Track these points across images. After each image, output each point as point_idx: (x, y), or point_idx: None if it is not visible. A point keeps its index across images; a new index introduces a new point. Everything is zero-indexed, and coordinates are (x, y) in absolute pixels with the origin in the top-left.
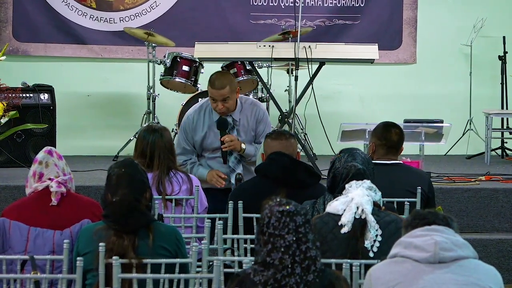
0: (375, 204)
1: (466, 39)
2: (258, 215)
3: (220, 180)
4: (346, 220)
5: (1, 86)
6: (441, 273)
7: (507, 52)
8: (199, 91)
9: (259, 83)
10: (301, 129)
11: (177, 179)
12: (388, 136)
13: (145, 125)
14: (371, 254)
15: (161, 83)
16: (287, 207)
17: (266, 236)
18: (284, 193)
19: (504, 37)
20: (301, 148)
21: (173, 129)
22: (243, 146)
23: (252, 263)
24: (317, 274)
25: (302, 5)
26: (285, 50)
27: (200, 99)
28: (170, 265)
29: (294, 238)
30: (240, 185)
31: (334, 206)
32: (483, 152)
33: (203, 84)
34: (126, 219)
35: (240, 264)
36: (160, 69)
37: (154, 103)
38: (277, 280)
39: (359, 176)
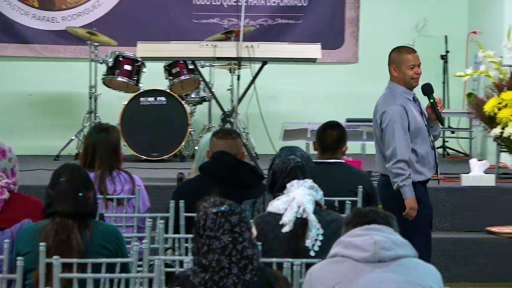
0: (316, 203)
1: (408, 39)
2: None
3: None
4: (288, 220)
5: None
6: (381, 272)
7: (448, 52)
8: (141, 90)
9: (202, 82)
10: (243, 128)
11: (120, 179)
12: (323, 136)
13: (87, 124)
14: (312, 254)
15: (103, 82)
16: (222, 208)
17: (203, 238)
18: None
19: (446, 37)
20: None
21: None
22: None
23: (192, 262)
24: (255, 273)
25: (245, 4)
26: (228, 49)
27: (141, 99)
28: (110, 265)
29: (230, 239)
30: (183, 183)
31: (275, 205)
32: None
33: (145, 83)
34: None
35: (181, 263)
36: (102, 68)
37: (96, 103)
38: (215, 281)
39: (298, 170)
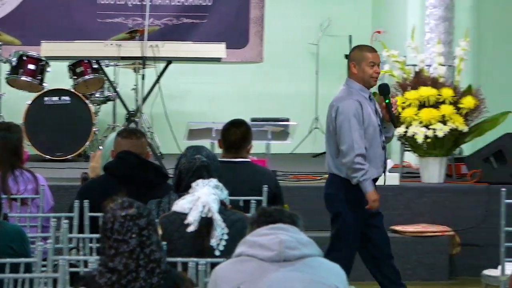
0: (221, 202)
1: (313, 38)
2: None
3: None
4: (193, 219)
5: None
6: (286, 271)
7: None
8: (45, 89)
9: (106, 81)
10: (148, 128)
11: (23, 178)
12: (226, 135)
13: None
14: (217, 253)
15: (7, 82)
16: (130, 211)
17: (111, 241)
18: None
19: (350, 36)
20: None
21: None
22: None
23: (98, 263)
24: (162, 276)
25: (149, 3)
26: (132, 48)
27: (46, 98)
28: (15, 265)
29: (138, 242)
30: (87, 183)
31: (180, 204)
32: None
33: (49, 82)
34: None
35: (85, 263)
36: (6, 68)
37: (0, 102)
38: (122, 285)
39: (203, 169)
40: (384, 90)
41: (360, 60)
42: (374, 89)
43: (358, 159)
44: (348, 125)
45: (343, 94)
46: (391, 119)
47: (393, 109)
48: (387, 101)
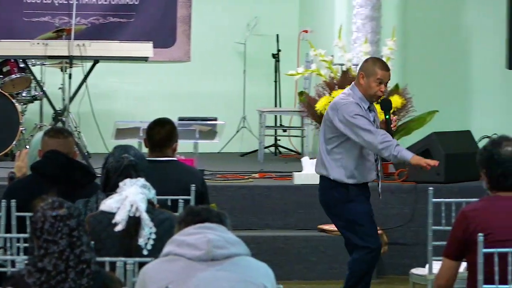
0: (149, 202)
1: (240, 37)
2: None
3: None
4: (120, 218)
5: None
6: (214, 270)
7: (280, 50)
8: None
9: (33, 81)
10: (75, 127)
11: None
12: (151, 134)
13: None
14: (145, 252)
15: None
16: (60, 211)
17: (40, 241)
18: (57, 193)
19: (277, 35)
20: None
21: None
22: None
23: (26, 262)
24: (91, 277)
25: (76, 2)
26: (59, 48)
27: None
28: None
29: (68, 243)
30: (14, 183)
31: (108, 204)
32: (257, 150)
33: None
34: None
35: (13, 263)
36: None
37: None
38: (51, 285)
39: (131, 168)
40: (386, 106)
41: (370, 74)
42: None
43: (380, 138)
44: (356, 121)
45: (344, 97)
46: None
47: (392, 125)
48: (387, 117)
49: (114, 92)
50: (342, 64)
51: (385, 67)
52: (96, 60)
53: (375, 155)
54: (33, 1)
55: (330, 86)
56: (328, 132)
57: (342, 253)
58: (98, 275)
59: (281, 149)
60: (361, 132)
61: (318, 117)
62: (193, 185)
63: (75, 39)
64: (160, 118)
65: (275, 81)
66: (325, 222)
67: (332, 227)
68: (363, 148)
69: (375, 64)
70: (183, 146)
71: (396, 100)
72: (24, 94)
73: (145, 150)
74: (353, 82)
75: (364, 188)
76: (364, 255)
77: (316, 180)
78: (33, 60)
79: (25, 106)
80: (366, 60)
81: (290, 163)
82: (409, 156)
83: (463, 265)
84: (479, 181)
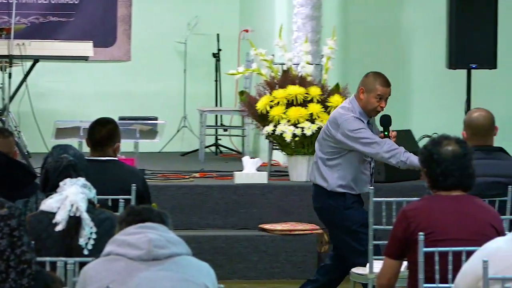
0: (89, 201)
1: (181, 37)
2: None
3: None
4: (61, 218)
5: None
6: (155, 270)
7: (221, 50)
8: None
9: None
10: (15, 127)
11: None
12: (92, 133)
13: None
14: (86, 252)
15: None
16: (1, 211)
17: None
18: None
19: (218, 35)
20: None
21: None
22: None
23: None
24: (32, 277)
25: (16, 1)
26: None
27: None
28: None
29: (8, 243)
30: None
31: (48, 204)
32: (197, 149)
33: None
34: None
35: None
36: None
37: None
38: None
39: (71, 168)
40: (385, 122)
41: (370, 90)
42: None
43: (386, 147)
44: (361, 134)
45: (345, 110)
46: None
47: None
48: (386, 133)
49: (54, 92)
50: (282, 64)
51: (386, 83)
52: (36, 59)
53: (371, 169)
54: None
55: (271, 85)
56: (327, 146)
57: (283, 253)
58: (39, 275)
59: (222, 149)
60: (367, 144)
61: (258, 117)
62: (134, 184)
63: (15, 38)
64: (102, 117)
65: (216, 81)
66: (265, 222)
67: (273, 226)
68: (361, 161)
69: (376, 80)
70: (124, 145)
71: (337, 100)
72: None
73: (85, 150)
74: (353, 95)
75: (359, 196)
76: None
77: (256, 180)
78: None
79: None
80: (367, 75)
81: (231, 162)
82: (417, 162)
83: (404, 264)
84: (420, 181)
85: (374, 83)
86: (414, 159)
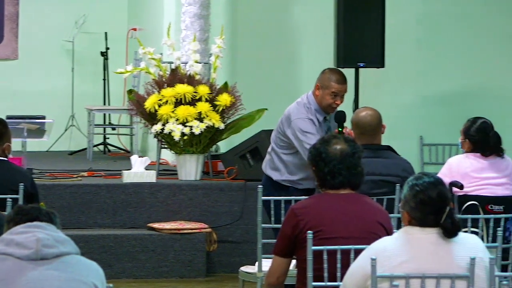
0: None
1: (68, 35)
2: None
3: None
4: None
5: None
6: (44, 269)
7: (109, 48)
8: None
9: None
10: None
11: None
12: None
13: None
14: None
15: None
16: None
17: None
18: None
19: (106, 33)
20: None
21: None
22: None
23: None
24: None
25: None
26: None
27: None
28: None
29: None
30: None
31: None
32: (86, 148)
33: None
34: None
35: None
36: None
37: None
38: None
39: None
40: (339, 118)
41: (325, 87)
42: None
43: None
44: (306, 139)
45: (300, 107)
46: None
47: None
48: (340, 129)
49: None
50: (171, 62)
51: (341, 81)
52: None
53: None
54: None
55: (159, 84)
56: (279, 139)
57: (172, 252)
58: None
59: (110, 148)
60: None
61: (147, 115)
62: (22, 184)
63: None
64: None
65: (104, 79)
66: (154, 221)
67: (162, 225)
68: None
69: (331, 77)
70: (12, 144)
71: (225, 98)
72: None
73: None
74: (310, 91)
75: (305, 191)
76: None
77: (144, 178)
78: None
79: None
80: (324, 71)
81: (119, 161)
82: None
83: (294, 262)
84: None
85: (329, 80)
86: None
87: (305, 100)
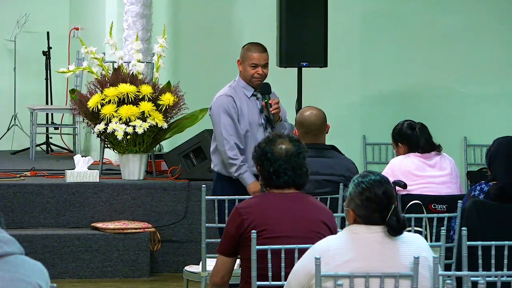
0: None
1: (10, 35)
2: None
3: None
4: None
5: None
6: None
7: (51, 48)
8: None
9: None
10: None
11: None
12: None
13: None
14: None
15: None
16: None
17: None
18: None
19: (48, 33)
20: None
21: None
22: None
23: None
24: None
25: None
26: None
27: None
28: None
29: None
30: None
31: None
32: (28, 148)
33: None
34: None
35: None
36: None
37: None
38: None
39: None
40: (263, 90)
41: (244, 59)
42: None
43: (230, 153)
44: (218, 121)
45: (223, 89)
46: (268, 118)
47: (271, 109)
48: (266, 100)
49: None
50: (113, 62)
51: (259, 50)
52: None
53: None
54: None
55: (102, 83)
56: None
57: (116, 251)
58: None
59: (53, 147)
60: (218, 136)
61: (90, 115)
62: None
63: None
64: None
65: (46, 79)
66: (98, 220)
67: (105, 225)
68: (249, 140)
69: (249, 49)
70: None
71: (168, 98)
72: None
73: None
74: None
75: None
76: None
77: (88, 178)
78: None
79: None
80: (243, 47)
81: (62, 161)
82: (249, 182)
83: (238, 261)
84: None
85: (247, 52)
86: (245, 178)
87: (232, 82)
